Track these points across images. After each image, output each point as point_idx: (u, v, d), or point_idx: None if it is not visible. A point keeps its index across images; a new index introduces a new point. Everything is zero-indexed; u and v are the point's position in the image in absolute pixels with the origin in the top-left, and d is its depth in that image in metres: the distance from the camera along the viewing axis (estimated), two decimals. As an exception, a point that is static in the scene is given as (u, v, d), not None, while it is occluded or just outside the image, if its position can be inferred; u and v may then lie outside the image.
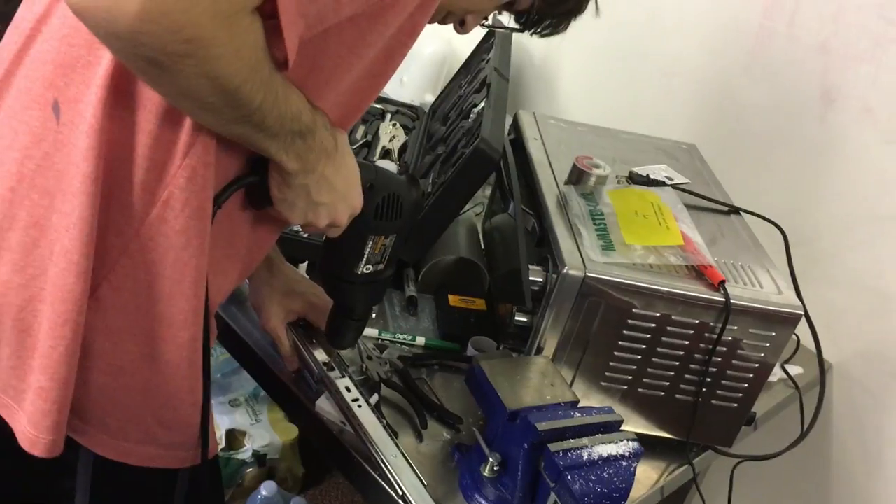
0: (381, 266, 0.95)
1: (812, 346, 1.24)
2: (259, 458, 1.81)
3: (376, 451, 0.98)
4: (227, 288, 0.88)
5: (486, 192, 1.50)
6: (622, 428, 0.96)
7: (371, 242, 0.92)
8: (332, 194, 0.81)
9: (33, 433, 0.75)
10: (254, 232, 0.87)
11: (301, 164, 0.75)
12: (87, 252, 0.71)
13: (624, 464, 0.90)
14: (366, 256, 0.92)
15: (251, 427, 1.84)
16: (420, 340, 1.22)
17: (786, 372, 1.35)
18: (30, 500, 0.88)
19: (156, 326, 0.76)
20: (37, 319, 0.74)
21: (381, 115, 1.73)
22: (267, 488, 1.66)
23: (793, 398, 1.34)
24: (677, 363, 1.07)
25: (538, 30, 1.00)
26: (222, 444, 1.77)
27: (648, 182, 1.21)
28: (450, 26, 0.96)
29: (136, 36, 0.56)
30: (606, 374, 1.07)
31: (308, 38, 0.68)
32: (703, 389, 1.08)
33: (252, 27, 0.61)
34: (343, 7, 0.67)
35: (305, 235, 1.29)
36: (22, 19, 0.77)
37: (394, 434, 1.01)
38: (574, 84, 1.73)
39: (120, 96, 0.69)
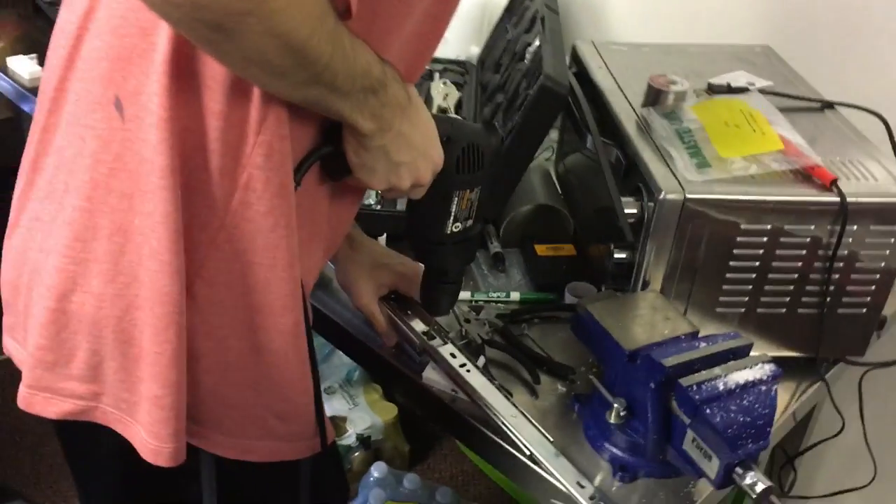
0: (469, 222, 0.90)
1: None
2: (363, 441, 1.80)
3: (495, 414, 0.94)
4: (315, 269, 0.85)
5: (551, 136, 1.43)
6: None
7: (457, 198, 0.86)
8: (412, 151, 0.76)
9: (155, 444, 0.73)
10: (334, 206, 0.82)
11: (377, 123, 0.70)
12: (176, 250, 0.67)
13: (763, 388, 0.84)
14: (453, 214, 0.87)
15: (350, 412, 1.83)
16: (515, 296, 1.17)
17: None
18: None
19: (256, 317, 0.73)
20: (137, 328, 0.71)
21: (430, 75, 1.67)
22: (378, 469, 1.65)
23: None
24: (795, 276, 1.00)
25: None
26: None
27: (730, 90, 1.13)
28: None
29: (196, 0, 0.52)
30: (720, 299, 1.01)
31: None
32: (828, 299, 1.01)
33: None
34: None
35: (378, 208, 1.25)
36: (66, 21, 0.73)
37: (508, 394, 0.96)
38: (625, 5, 1.64)
39: (183, 80, 0.66)
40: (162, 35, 0.65)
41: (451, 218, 0.88)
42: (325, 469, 0.87)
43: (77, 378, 0.75)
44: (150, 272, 0.69)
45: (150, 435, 0.74)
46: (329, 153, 0.74)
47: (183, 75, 0.66)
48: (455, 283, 0.97)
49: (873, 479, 1.31)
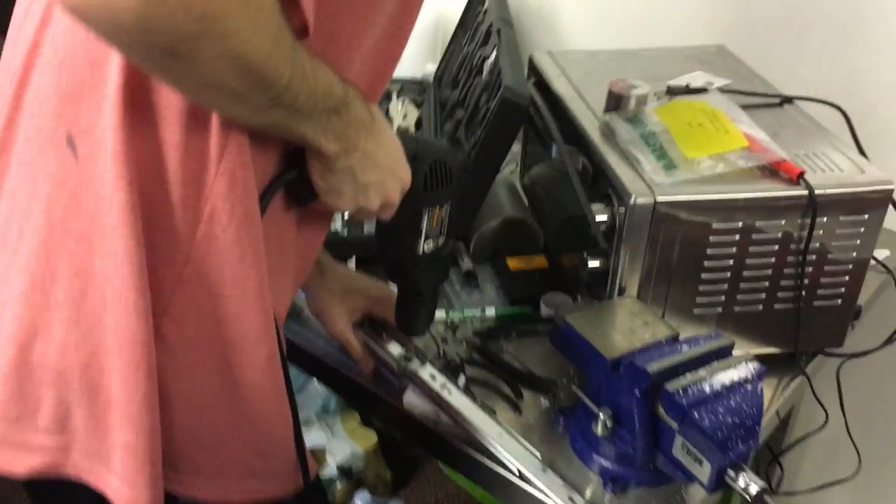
0: (441, 239, 0.88)
1: (891, 226, 1.15)
2: (344, 471, 1.76)
3: (479, 433, 0.92)
4: (286, 299, 0.82)
5: (514, 149, 1.42)
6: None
7: (427, 216, 0.85)
8: (379, 171, 0.74)
9: (130, 493, 0.70)
10: (302, 233, 0.80)
11: (341, 143, 0.69)
12: (141, 288, 0.65)
13: (749, 387, 0.83)
14: (424, 232, 0.86)
15: (329, 442, 1.79)
16: (490, 312, 1.15)
17: (873, 257, 1.26)
18: None
19: (229, 352, 0.70)
20: (104, 373, 0.68)
21: (388, 95, 1.66)
22: (361, 499, 1.62)
23: (886, 284, 1.26)
24: (770, 272, 0.99)
25: None
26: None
27: (690, 91, 1.13)
28: None
29: (145, 23, 0.49)
30: (697, 300, 1.00)
31: None
32: (803, 293, 1.01)
33: None
34: None
35: (345, 233, 1.23)
36: (10, 59, 0.71)
37: (492, 412, 0.94)
38: (578, 15, 1.65)
39: (137, 112, 0.63)
40: (113, 67, 0.63)
41: (423, 237, 0.86)
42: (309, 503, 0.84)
43: (44, 430, 0.72)
44: (114, 314, 0.66)
45: (124, 484, 0.70)
46: (294, 178, 0.72)
47: (137, 107, 0.63)
48: (430, 302, 0.95)
49: (858, 469, 1.31)
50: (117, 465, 0.70)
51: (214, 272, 0.67)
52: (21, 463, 0.73)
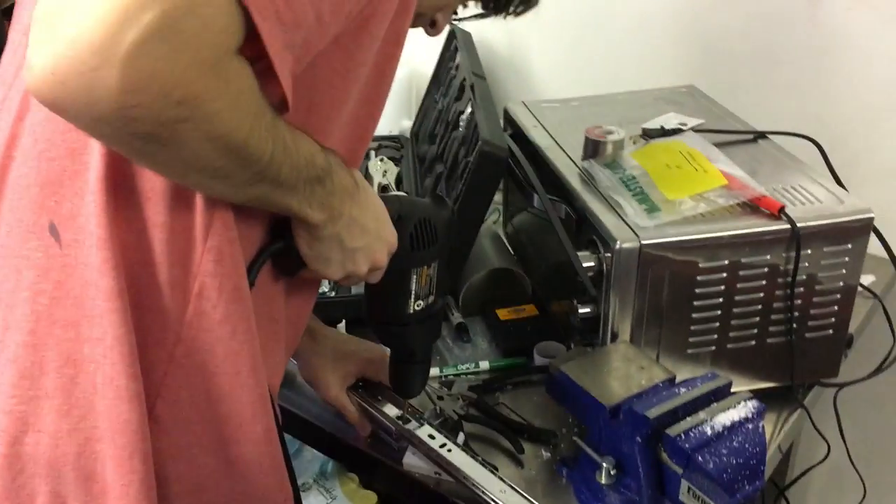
0: (431, 298, 0.88)
1: (874, 252, 1.16)
2: (346, 534, 1.72)
3: (483, 492, 0.90)
4: (279, 369, 0.81)
5: (495, 199, 1.43)
6: (730, 390, 0.89)
7: (415, 276, 0.85)
8: (366, 236, 0.74)
9: None
10: (291, 302, 0.80)
11: (326, 212, 0.69)
12: (133, 373, 0.64)
13: (750, 426, 0.83)
14: (414, 292, 0.85)
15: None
16: (484, 365, 1.14)
17: (860, 283, 1.27)
18: None
19: (225, 429, 0.69)
20: (98, 462, 0.66)
21: (366, 155, 1.66)
22: (365, 563, 1.58)
23: (874, 309, 1.26)
24: (759, 307, 1.00)
25: (510, 8, 0.95)
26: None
27: (665, 133, 1.15)
28: (414, 37, 0.90)
29: (125, 112, 0.49)
30: (690, 339, 1.00)
31: (298, 72, 0.62)
32: (794, 325, 1.01)
33: (242, 70, 0.55)
34: (327, 27, 0.61)
35: (333, 295, 1.23)
36: None
37: (494, 468, 0.93)
38: (548, 63, 1.68)
39: (120, 196, 0.63)
40: (94, 154, 0.63)
41: (413, 297, 0.86)
42: None
43: None
44: (106, 401, 0.64)
45: None
46: (281, 249, 0.72)
47: (120, 191, 0.63)
48: (424, 362, 0.94)
49: (864, 496, 1.30)
50: None
51: (206, 350, 0.66)
52: None
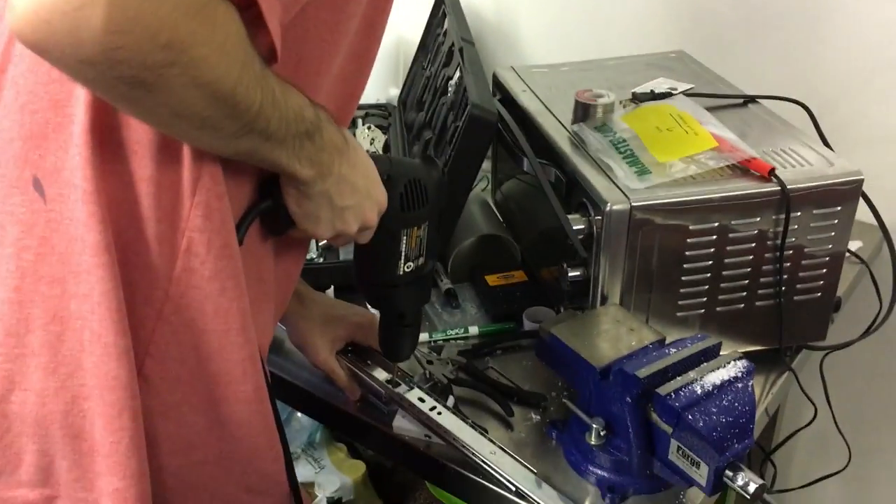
0: (421, 260, 0.87)
1: (862, 217, 1.16)
2: (335, 503, 1.73)
3: (472, 453, 0.90)
4: (268, 329, 0.81)
5: (483, 166, 1.42)
6: (719, 351, 0.89)
7: (405, 237, 0.84)
8: (356, 194, 0.73)
9: None
10: (280, 262, 0.79)
11: (316, 168, 0.68)
12: (121, 329, 0.63)
13: (740, 385, 0.83)
14: (403, 254, 0.85)
15: (317, 475, 1.75)
16: (473, 330, 1.14)
17: (847, 249, 1.28)
18: None
19: (214, 388, 0.68)
20: (86, 419, 0.66)
21: (353, 123, 1.65)
22: (354, 531, 1.58)
23: (861, 275, 1.27)
24: (749, 269, 1.00)
25: None
26: (294, 501, 1.69)
27: (655, 97, 1.14)
28: (402, 4, 0.88)
29: (110, 54, 0.48)
30: (679, 303, 1.00)
31: (287, 23, 0.61)
32: (783, 288, 1.01)
33: (229, 16, 0.54)
34: None
35: (321, 261, 1.22)
36: None
37: (484, 430, 0.93)
38: (537, 28, 1.66)
39: (106, 149, 0.62)
40: (78, 106, 0.61)
41: (402, 258, 0.85)
42: None
43: (27, 484, 0.69)
44: (94, 357, 0.64)
45: None
46: (270, 207, 0.71)
47: (106, 144, 0.62)
48: (413, 325, 0.94)
49: (849, 461, 1.31)
50: None
51: (195, 307, 0.66)
52: None
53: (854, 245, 1.29)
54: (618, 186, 0.96)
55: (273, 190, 0.70)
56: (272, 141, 0.62)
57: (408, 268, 0.86)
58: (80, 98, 0.61)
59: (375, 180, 0.77)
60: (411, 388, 0.97)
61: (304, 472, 1.76)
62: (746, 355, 0.89)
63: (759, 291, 1.01)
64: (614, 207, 0.93)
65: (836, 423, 1.28)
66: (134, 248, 0.64)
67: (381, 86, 1.79)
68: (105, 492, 0.67)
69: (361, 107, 1.70)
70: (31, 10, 0.48)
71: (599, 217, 0.95)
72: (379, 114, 1.69)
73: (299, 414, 1.79)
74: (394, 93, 1.76)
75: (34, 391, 0.66)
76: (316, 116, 0.66)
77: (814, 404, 1.14)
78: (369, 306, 1.05)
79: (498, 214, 1.35)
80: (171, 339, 0.66)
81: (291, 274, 0.84)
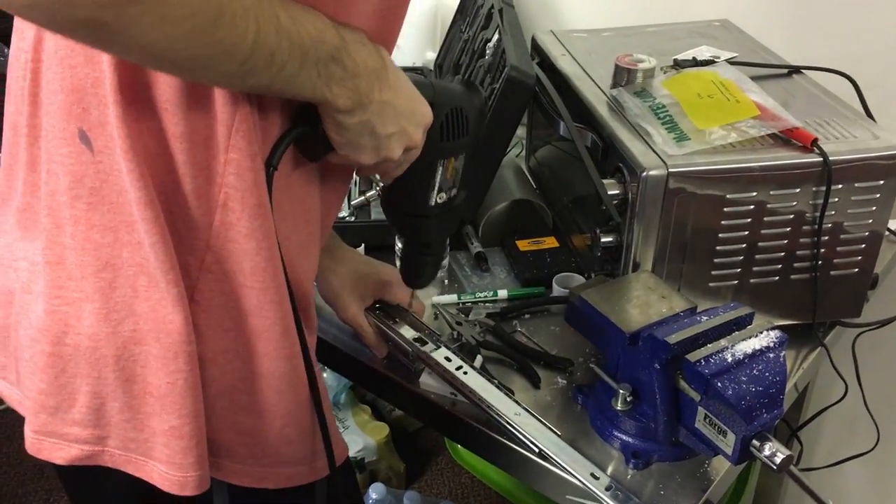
0: (454, 191, 0.84)
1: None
2: (357, 463, 1.75)
3: (497, 414, 0.90)
4: (313, 270, 0.81)
5: (518, 133, 1.41)
6: (751, 322, 0.88)
7: (441, 168, 0.81)
8: (399, 119, 0.69)
9: (178, 475, 0.69)
10: (323, 192, 0.78)
11: (353, 97, 0.64)
12: (173, 278, 0.64)
13: (771, 355, 0.82)
14: (437, 185, 0.81)
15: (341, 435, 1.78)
16: (502, 293, 1.14)
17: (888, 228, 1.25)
18: None
19: (254, 342, 0.70)
20: (138, 363, 0.67)
21: (388, 84, 1.64)
22: (376, 491, 1.60)
23: (900, 253, 1.25)
24: (785, 242, 0.98)
25: None
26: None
27: (696, 64, 1.12)
28: None
29: None
30: (713, 273, 0.99)
31: None
32: (819, 263, 0.99)
33: None
34: None
35: (353, 219, 1.22)
36: (19, 51, 0.69)
37: (510, 392, 0.93)
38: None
39: (138, 106, 0.62)
40: (106, 63, 0.61)
41: (436, 189, 0.82)
42: (340, 486, 0.84)
43: (80, 423, 0.71)
44: (149, 304, 0.65)
45: (171, 467, 0.70)
46: (306, 132, 0.68)
47: (136, 102, 0.62)
48: (437, 255, 0.91)
49: (877, 442, 1.30)
50: (161, 451, 0.70)
51: (234, 261, 0.66)
52: (61, 452, 0.73)
53: (894, 224, 1.26)
54: (655, 152, 0.94)
55: (311, 115, 0.68)
56: (286, 71, 0.59)
57: (440, 199, 0.83)
58: (105, 56, 0.61)
59: (419, 99, 0.72)
60: (438, 348, 0.97)
61: (328, 430, 1.78)
62: (778, 329, 0.89)
63: (795, 265, 1.00)
64: (651, 173, 0.92)
65: (865, 403, 1.26)
66: (174, 200, 0.65)
67: (419, 49, 1.78)
68: (159, 430, 0.69)
69: (397, 69, 1.70)
70: None
71: (635, 182, 0.93)
72: (414, 76, 1.68)
73: (325, 374, 1.81)
74: (430, 56, 1.75)
75: (87, 335, 0.67)
76: (340, 38, 0.62)
77: (845, 382, 1.13)
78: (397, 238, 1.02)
79: (531, 180, 1.34)
80: (213, 289, 0.67)
81: (333, 206, 0.83)
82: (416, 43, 1.79)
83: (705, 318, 0.86)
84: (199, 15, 0.51)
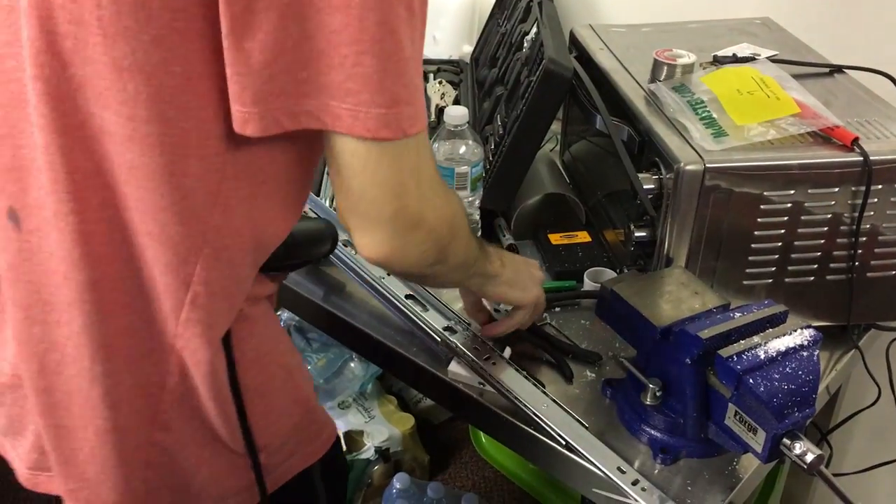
0: None
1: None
2: (382, 453, 1.75)
3: (525, 405, 0.90)
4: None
5: (553, 128, 1.40)
6: (785, 320, 0.87)
7: None
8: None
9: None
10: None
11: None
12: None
13: (805, 354, 0.81)
14: None
15: (366, 425, 1.79)
16: (533, 286, 1.14)
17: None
18: None
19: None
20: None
21: (424, 76, 1.65)
22: (400, 481, 1.61)
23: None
24: (822, 241, 0.97)
25: None
26: (343, 448, 1.72)
27: (736, 61, 1.11)
28: None
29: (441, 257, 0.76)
30: (747, 270, 0.98)
31: None
32: (856, 263, 0.98)
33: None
34: None
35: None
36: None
37: (540, 384, 0.93)
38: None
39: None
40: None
41: None
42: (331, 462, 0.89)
43: None
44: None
45: None
46: None
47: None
48: None
49: (909, 449, 1.28)
50: None
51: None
52: None
53: (934, 228, 1.24)
54: (692, 146, 0.94)
55: None
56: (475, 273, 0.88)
57: None
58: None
59: (530, 279, 0.96)
60: (468, 337, 0.97)
61: (353, 420, 1.79)
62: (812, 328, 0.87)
63: (832, 265, 0.99)
64: (687, 167, 0.91)
65: (898, 409, 1.24)
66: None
67: (455, 43, 1.78)
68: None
69: (433, 62, 1.70)
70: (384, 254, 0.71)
71: (671, 177, 0.93)
72: (451, 69, 1.68)
73: (352, 363, 1.82)
74: (467, 50, 1.75)
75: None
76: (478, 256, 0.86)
77: (878, 386, 1.11)
78: None
79: (565, 175, 1.34)
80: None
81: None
82: (453, 36, 1.79)
83: (738, 314, 0.85)
84: (468, 262, 0.83)
